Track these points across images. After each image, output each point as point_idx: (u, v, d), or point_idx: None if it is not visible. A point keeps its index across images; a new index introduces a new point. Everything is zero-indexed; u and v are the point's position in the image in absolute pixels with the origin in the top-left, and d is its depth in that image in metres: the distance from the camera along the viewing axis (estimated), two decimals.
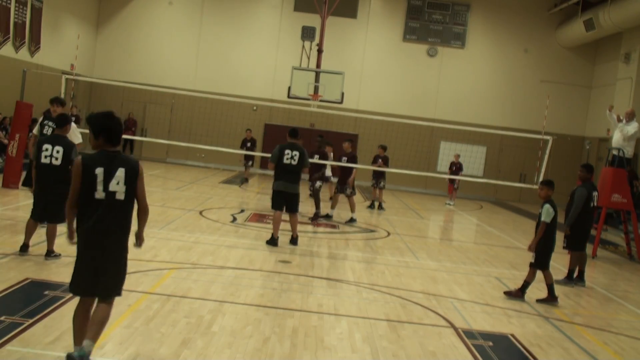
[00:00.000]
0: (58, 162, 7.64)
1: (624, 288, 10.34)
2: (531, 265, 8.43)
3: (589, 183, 9.99)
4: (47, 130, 9.66)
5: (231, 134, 23.59)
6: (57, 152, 7.64)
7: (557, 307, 8.15)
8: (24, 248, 7.72)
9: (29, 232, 7.74)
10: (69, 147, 7.73)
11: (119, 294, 4.66)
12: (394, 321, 6.73)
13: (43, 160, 7.65)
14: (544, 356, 6.15)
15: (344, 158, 14.38)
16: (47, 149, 7.66)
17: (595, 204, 10.07)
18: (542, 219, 8.27)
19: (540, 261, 8.35)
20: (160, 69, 25.76)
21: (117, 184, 4.47)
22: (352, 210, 14.16)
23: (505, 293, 8.47)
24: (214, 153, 21.47)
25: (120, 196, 4.48)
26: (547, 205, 8.24)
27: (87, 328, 4.46)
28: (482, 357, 5.90)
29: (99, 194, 4.44)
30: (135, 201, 4.63)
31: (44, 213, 7.73)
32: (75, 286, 4.57)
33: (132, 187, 4.53)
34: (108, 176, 4.44)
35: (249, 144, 19.98)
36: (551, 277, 8.35)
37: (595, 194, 9.98)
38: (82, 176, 4.44)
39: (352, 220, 14.02)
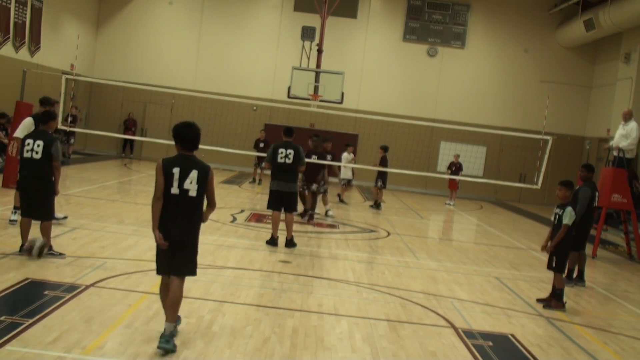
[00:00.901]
0: (38, 156, 7.70)
1: (624, 288, 10.34)
2: (554, 270, 8.16)
3: (591, 183, 9.98)
4: None
5: (231, 133, 23.59)
6: (38, 146, 7.71)
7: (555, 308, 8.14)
8: (23, 248, 7.72)
9: (24, 232, 7.75)
10: (49, 142, 7.76)
11: (192, 274, 5.41)
12: (394, 321, 6.73)
13: (25, 154, 7.76)
14: (544, 356, 6.15)
15: (314, 156, 14.21)
16: (28, 144, 7.77)
17: (596, 204, 10.07)
18: (565, 222, 7.99)
19: (562, 264, 8.13)
20: (160, 69, 25.75)
21: (190, 183, 5.21)
22: (313, 206, 13.78)
23: (545, 306, 8.09)
24: (214, 153, 21.43)
25: (193, 193, 5.23)
26: (569, 208, 8.03)
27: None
28: (482, 357, 5.90)
29: (174, 189, 5.20)
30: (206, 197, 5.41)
31: (31, 210, 7.74)
32: (157, 267, 5.38)
33: (203, 186, 5.27)
34: (183, 176, 5.20)
35: (261, 145, 19.98)
36: (564, 282, 8.23)
37: (597, 193, 9.99)
38: (162, 175, 5.21)
39: (313, 216, 13.66)
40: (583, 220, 9.66)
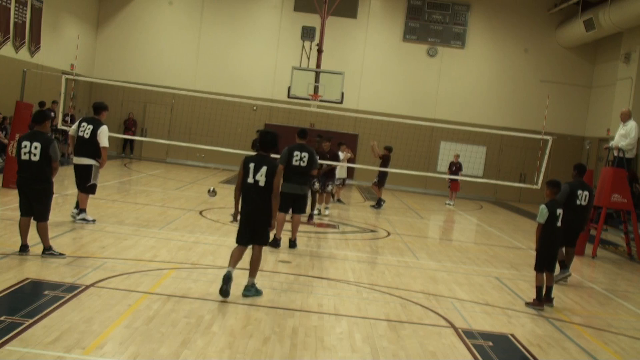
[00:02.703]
0: (36, 159, 7.66)
1: (624, 288, 10.34)
2: (535, 268, 8.18)
3: (575, 181, 9.93)
4: (84, 132, 10.11)
5: (231, 134, 23.59)
6: (35, 148, 7.67)
7: (550, 309, 8.13)
8: (24, 248, 7.72)
9: (24, 232, 7.74)
10: (47, 143, 7.72)
11: (266, 243, 7.17)
12: (394, 321, 6.74)
13: (22, 157, 7.71)
14: (544, 356, 6.15)
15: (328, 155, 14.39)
16: (25, 146, 7.72)
17: (584, 202, 9.87)
18: (537, 219, 8.08)
19: (537, 262, 8.07)
20: (160, 69, 25.75)
21: (261, 176, 6.90)
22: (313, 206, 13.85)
23: (526, 304, 8.08)
24: (214, 153, 21.48)
25: (262, 183, 6.92)
26: (542, 206, 8.01)
27: (237, 261, 7.02)
28: (482, 357, 5.90)
29: (250, 180, 6.94)
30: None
31: (30, 210, 7.75)
32: (238, 238, 7.09)
33: (271, 179, 6.91)
34: (256, 170, 6.92)
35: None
36: (541, 280, 7.99)
37: (581, 192, 9.81)
38: (243, 169, 6.99)
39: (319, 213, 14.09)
40: (569, 218, 9.19)
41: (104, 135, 10.11)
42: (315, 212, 14.33)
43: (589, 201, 9.96)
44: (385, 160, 17.42)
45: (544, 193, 8.39)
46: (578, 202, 9.81)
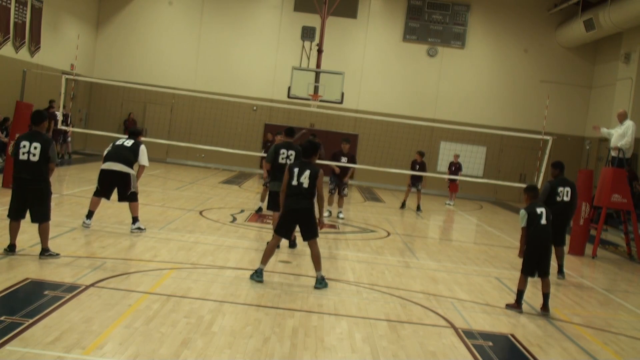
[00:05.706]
0: (36, 159, 7.61)
1: (624, 288, 10.34)
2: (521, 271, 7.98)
3: (556, 179, 10.09)
4: (124, 141, 10.21)
5: (231, 134, 23.59)
6: (35, 148, 7.62)
7: (521, 312, 8.12)
8: (12, 248, 7.67)
9: (13, 233, 7.72)
10: (46, 144, 7.69)
11: (316, 236, 7.81)
12: (394, 321, 6.74)
13: (21, 157, 7.63)
14: (544, 356, 6.15)
15: (344, 158, 14.51)
16: (24, 146, 7.65)
17: (567, 198, 9.96)
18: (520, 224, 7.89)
19: (523, 265, 7.89)
20: (160, 69, 25.75)
21: (305, 178, 7.69)
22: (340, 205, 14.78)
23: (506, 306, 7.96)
24: (214, 153, 21.48)
25: (305, 185, 7.70)
26: (521, 211, 7.85)
27: (270, 256, 7.87)
28: (482, 357, 5.90)
29: (294, 182, 7.72)
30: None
31: (22, 213, 7.71)
32: (278, 230, 7.93)
33: (313, 181, 7.71)
34: (300, 173, 7.72)
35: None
36: (523, 283, 7.82)
37: (562, 189, 9.97)
38: (288, 172, 7.78)
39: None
40: (553, 216, 9.20)
41: (145, 155, 10.15)
42: (326, 213, 14.35)
43: (571, 196, 10.02)
44: (414, 165, 18.32)
45: (522, 198, 8.21)
46: (559, 199, 9.92)
